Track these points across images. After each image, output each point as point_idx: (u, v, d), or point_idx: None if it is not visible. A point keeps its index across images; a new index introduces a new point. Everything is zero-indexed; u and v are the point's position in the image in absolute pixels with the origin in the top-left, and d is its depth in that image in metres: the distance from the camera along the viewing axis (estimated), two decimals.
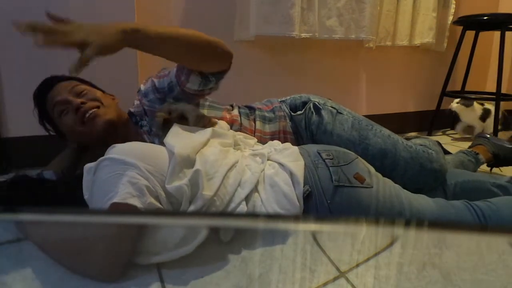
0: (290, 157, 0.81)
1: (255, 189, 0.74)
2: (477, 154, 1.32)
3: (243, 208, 0.70)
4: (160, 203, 0.67)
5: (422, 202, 0.85)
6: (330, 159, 0.81)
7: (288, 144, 0.90)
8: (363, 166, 0.83)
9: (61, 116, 0.98)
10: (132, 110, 1.08)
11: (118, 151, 0.68)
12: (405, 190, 0.86)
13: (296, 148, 0.86)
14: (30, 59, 1.32)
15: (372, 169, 0.85)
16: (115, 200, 0.61)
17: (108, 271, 0.55)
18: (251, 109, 1.15)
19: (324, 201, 0.76)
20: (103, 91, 1.07)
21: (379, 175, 0.85)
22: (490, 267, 0.40)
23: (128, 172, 0.64)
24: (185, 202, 0.67)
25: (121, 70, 1.41)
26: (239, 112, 1.10)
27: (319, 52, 1.94)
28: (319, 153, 0.83)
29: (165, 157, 0.71)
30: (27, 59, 1.33)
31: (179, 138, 0.77)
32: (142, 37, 0.76)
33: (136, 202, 0.62)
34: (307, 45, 1.87)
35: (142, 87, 1.05)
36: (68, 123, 0.97)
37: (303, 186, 0.75)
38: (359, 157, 0.85)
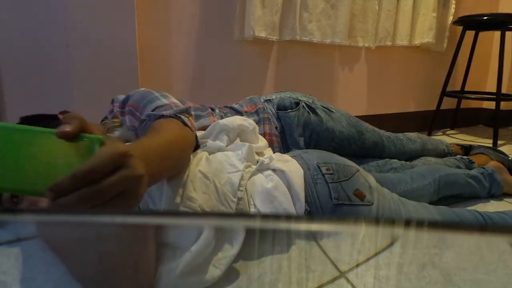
0: (290, 167, 0.80)
1: (251, 201, 0.73)
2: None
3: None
4: None
5: (424, 214, 0.86)
6: (330, 174, 0.80)
7: (285, 156, 0.88)
8: (364, 181, 0.82)
9: None
10: (108, 117, 1.00)
11: None
12: (405, 202, 0.87)
13: (294, 162, 0.84)
14: (30, 59, 1.32)
15: (372, 182, 0.84)
16: None
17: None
18: (238, 112, 1.13)
19: None
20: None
21: (379, 187, 0.85)
22: (490, 267, 0.40)
23: None
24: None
25: (122, 70, 1.41)
26: (224, 117, 1.08)
27: (318, 52, 1.94)
28: (319, 167, 0.81)
29: None
30: (27, 60, 1.33)
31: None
32: None
33: None
34: (306, 45, 1.87)
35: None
36: None
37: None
38: (360, 169, 0.85)
